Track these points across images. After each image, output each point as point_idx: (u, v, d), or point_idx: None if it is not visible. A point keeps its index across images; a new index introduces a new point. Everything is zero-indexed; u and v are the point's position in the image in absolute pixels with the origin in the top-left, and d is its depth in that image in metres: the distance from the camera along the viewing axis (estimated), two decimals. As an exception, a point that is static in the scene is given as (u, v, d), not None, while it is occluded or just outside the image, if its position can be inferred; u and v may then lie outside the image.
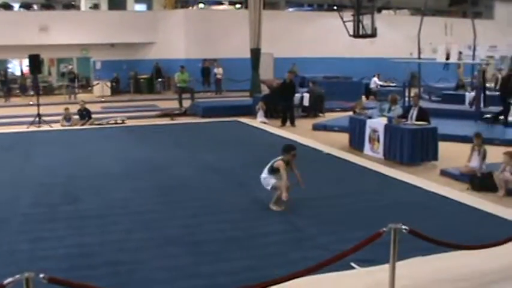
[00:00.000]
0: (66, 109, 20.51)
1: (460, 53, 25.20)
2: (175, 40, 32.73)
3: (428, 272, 6.66)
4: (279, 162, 9.29)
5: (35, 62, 21.65)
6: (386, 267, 5.91)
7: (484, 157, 11.73)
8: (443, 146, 14.08)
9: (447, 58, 23.12)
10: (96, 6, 35.24)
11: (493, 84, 28.02)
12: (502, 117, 18.78)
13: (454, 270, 6.70)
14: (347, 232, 8.03)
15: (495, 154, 11.96)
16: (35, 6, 34.85)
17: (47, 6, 34.40)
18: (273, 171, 9.30)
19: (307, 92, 23.18)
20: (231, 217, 9.02)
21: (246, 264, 6.98)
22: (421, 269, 6.73)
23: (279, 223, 8.74)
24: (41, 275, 4.54)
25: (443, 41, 25.70)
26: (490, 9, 41.90)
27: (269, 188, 9.37)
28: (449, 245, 6.63)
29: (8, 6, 33.69)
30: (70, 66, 32.44)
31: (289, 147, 9.56)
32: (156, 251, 7.54)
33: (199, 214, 9.22)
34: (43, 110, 20.98)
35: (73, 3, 35.63)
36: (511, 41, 35.14)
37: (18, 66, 34.39)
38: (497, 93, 24.17)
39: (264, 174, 9.43)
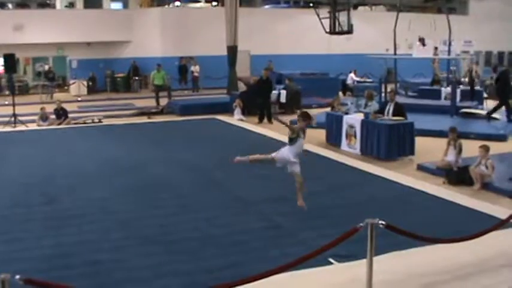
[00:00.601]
0: (42, 108, 20.32)
1: (436, 48, 25.42)
2: (152, 38, 32.59)
3: (405, 266, 6.72)
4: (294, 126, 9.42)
5: (10, 62, 21.42)
6: (364, 262, 5.94)
7: (459, 151, 11.85)
8: (419, 141, 14.21)
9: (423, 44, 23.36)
10: (71, 5, 34.93)
11: (467, 79, 28.29)
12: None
13: (431, 264, 6.77)
14: (326, 228, 8.06)
15: (471, 148, 12.08)
16: (10, 5, 34.51)
17: (21, 5, 34.08)
18: (291, 140, 9.28)
19: (284, 88, 23.21)
20: (209, 215, 9.02)
21: (225, 262, 6.99)
22: (398, 264, 6.79)
23: (258, 220, 8.76)
24: (17, 277, 4.50)
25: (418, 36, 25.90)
26: (464, 5, 42.25)
27: (288, 164, 9.27)
28: (426, 239, 6.69)
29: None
30: (47, 66, 32.11)
31: (308, 116, 9.56)
32: (134, 250, 7.52)
33: (177, 212, 9.21)
34: (19, 109, 20.77)
35: (48, 1, 35.33)
36: (486, 36, 35.63)
37: (-8, 66, 33.98)
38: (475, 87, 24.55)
39: (286, 151, 9.35)
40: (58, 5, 34.63)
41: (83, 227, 8.45)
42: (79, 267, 6.89)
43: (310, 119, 9.59)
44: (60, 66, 32.64)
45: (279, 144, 15.02)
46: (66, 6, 34.82)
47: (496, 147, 12.64)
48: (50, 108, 20.80)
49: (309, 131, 17.26)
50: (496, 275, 6.48)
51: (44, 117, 20.09)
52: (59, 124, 20.03)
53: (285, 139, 15.72)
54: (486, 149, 11.07)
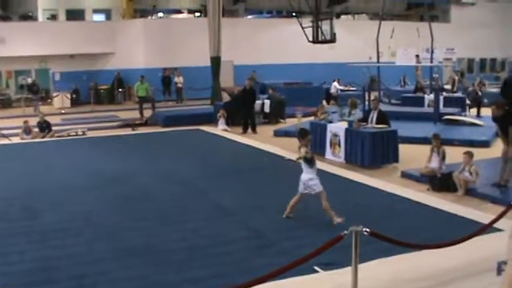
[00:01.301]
0: (26, 122, 20.20)
1: (417, 56, 25.60)
2: (135, 50, 32.58)
3: (390, 273, 6.73)
4: (302, 150, 8.95)
5: (-8, 75, 21.34)
6: (349, 269, 5.94)
7: (443, 158, 11.92)
8: (403, 148, 14.26)
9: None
10: (54, 17, 34.89)
11: (449, 86, 28.53)
12: None
13: (416, 270, 6.79)
14: (311, 236, 8.06)
15: (455, 154, 12.16)
16: (-9, 18, 34.40)
17: (3, 17, 33.94)
18: (310, 162, 8.99)
19: (268, 98, 23.25)
20: (194, 226, 8.99)
21: (210, 272, 6.96)
22: (383, 270, 6.80)
23: (242, 230, 8.75)
24: (0, 291, 4.48)
25: (401, 44, 26.10)
26: (447, 12, 42.61)
27: (313, 193, 8.99)
28: (410, 245, 6.72)
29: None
30: (29, 79, 31.96)
31: (305, 132, 9.37)
32: (119, 262, 7.48)
33: (162, 224, 9.16)
34: (1, 123, 20.67)
35: (30, 14, 35.21)
36: (467, 44, 35.84)
37: (-26, 80, 33.75)
38: (455, 95, 24.80)
39: (307, 174, 8.99)
40: (40, 18, 34.52)
41: (67, 240, 8.38)
42: (63, 281, 6.82)
43: (309, 134, 9.43)
44: (43, 79, 32.49)
45: (264, 154, 15.15)
46: (48, 19, 34.75)
47: (479, 153, 12.72)
48: (33, 121, 20.68)
49: (293, 140, 17.35)
50: (480, 280, 6.50)
51: (27, 131, 19.97)
52: (43, 137, 19.91)
53: (270, 149, 15.89)
54: (470, 155, 11.14)
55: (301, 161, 9.00)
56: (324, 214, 9.15)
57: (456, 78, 28.70)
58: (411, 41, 28.67)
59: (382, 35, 25.89)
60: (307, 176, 8.98)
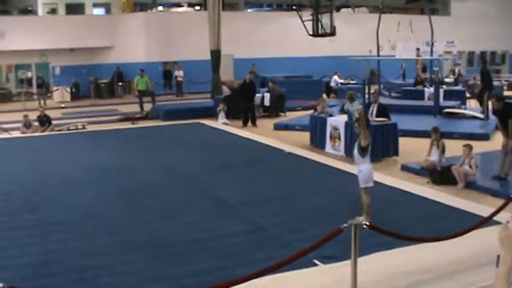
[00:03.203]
0: (26, 116, 20.20)
1: (418, 49, 25.55)
2: (135, 44, 32.52)
3: (390, 266, 6.75)
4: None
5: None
6: (349, 262, 5.96)
7: (443, 151, 11.92)
8: (403, 141, 14.27)
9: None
10: (53, 11, 34.85)
11: (451, 79, 28.52)
12: None
13: (416, 263, 6.80)
14: (310, 230, 8.07)
15: (455, 148, 12.17)
16: (-10, 13, 34.32)
17: (2, 11, 33.87)
18: (365, 149, 8.39)
19: (268, 91, 23.24)
20: (194, 219, 9.02)
21: (211, 266, 6.99)
22: (383, 263, 6.81)
23: (243, 223, 8.76)
24: (0, 285, 4.49)
25: (402, 37, 26.07)
26: (446, 5, 42.55)
27: (371, 184, 8.47)
28: (410, 238, 6.75)
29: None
30: (29, 73, 31.94)
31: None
32: (120, 255, 7.50)
33: (163, 217, 9.19)
34: (1, 117, 20.65)
35: (30, 8, 35.17)
36: (468, 37, 35.76)
37: (-26, 74, 33.71)
38: (455, 87, 24.78)
39: (367, 165, 8.50)
40: (40, 12, 34.48)
41: (68, 234, 8.40)
42: (64, 274, 6.85)
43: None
44: (43, 73, 32.43)
45: (264, 147, 15.17)
46: (48, 13, 34.71)
47: (479, 146, 12.74)
48: (33, 115, 20.65)
49: (293, 134, 17.46)
50: (479, 272, 6.50)
51: (27, 125, 19.96)
52: (43, 131, 19.91)
53: (270, 142, 15.89)
54: (470, 148, 11.14)
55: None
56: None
57: (457, 70, 28.67)
58: (413, 33, 28.58)
59: (382, 28, 25.86)
60: (368, 166, 8.54)
